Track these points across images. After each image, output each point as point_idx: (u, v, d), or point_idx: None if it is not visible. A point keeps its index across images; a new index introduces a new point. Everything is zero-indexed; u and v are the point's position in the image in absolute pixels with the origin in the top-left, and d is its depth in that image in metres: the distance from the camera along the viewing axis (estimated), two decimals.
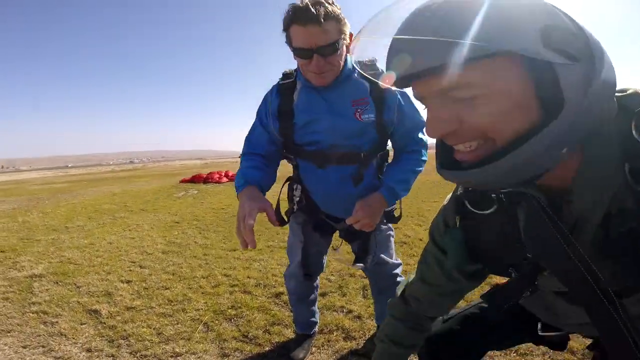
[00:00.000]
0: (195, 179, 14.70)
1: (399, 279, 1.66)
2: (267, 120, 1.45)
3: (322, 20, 1.15)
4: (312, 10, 1.13)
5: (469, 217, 0.73)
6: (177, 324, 2.56)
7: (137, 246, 4.59)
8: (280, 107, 1.40)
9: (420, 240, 4.11)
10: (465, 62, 0.43)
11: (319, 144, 1.39)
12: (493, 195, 0.66)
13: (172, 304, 2.86)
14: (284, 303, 2.72)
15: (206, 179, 14.41)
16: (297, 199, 1.52)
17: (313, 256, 1.73)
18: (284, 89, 1.42)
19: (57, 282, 3.35)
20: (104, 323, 2.57)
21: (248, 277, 3.30)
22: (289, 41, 1.25)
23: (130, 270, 3.65)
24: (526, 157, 0.47)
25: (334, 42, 1.20)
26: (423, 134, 1.44)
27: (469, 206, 0.71)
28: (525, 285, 0.69)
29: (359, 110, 1.34)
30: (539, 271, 0.66)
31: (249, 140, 1.50)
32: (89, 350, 2.25)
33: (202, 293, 3.02)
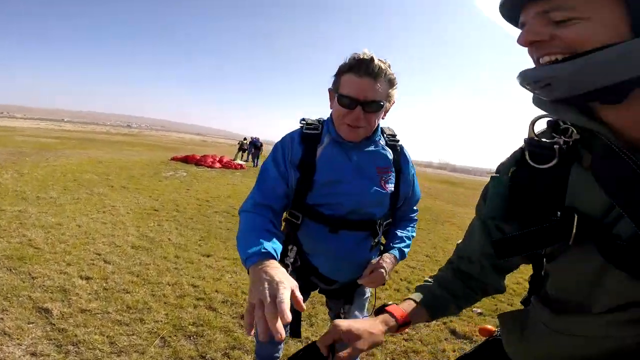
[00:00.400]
0: (187, 159, 14.46)
1: None
2: (286, 169, 1.31)
3: (379, 76, 1.18)
4: (373, 64, 1.17)
5: (523, 168, 0.73)
6: (133, 334, 2.41)
7: (107, 234, 4.38)
8: (303, 158, 1.30)
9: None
10: None
11: (338, 207, 1.30)
12: (556, 146, 0.68)
13: (131, 311, 2.70)
14: None
15: (198, 161, 14.20)
16: (292, 259, 1.38)
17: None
18: (308, 139, 1.33)
19: (10, 269, 3.11)
20: (54, 325, 2.39)
21: (216, 290, 3.15)
22: (336, 87, 1.26)
23: (92, 264, 3.45)
24: (604, 59, 0.54)
25: (380, 101, 1.22)
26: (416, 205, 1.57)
27: (528, 159, 0.72)
28: (555, 235, 0.66)
29: (384, 178, 1.34)
30: (576, 227, 0.63)
31: (260, 189, 1.29)
32: (33, 354, 2.08)
33: (165, 303, 2.86)
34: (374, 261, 1.34)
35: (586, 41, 0.55)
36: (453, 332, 2.99)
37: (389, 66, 1.22)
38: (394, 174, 1.37)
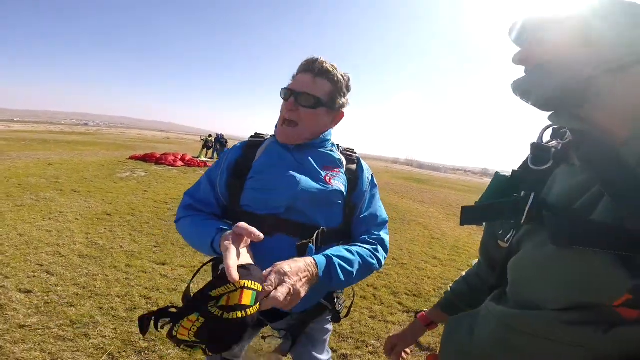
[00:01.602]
0: (147, 158, 13.95)
1: None
2: (216, 174, 1.30)
3: (319, 75, 1.23)
4: (316, 63, 1.23)
5: (523, 169, 0.84)
6: (77, 351, 2.36)
7: (51, 243, 4.20)
8: (237, 160, 1.28)
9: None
10: None
11: (274, 203, 1.18)
12: (553, 149, 0.78)
13: (75, 326, 2.62)
14: None
15: (159, 160, 13.74)
16: None
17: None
18: (249, 145, 1.34)
19: None
20: None
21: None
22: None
23: (34, 276, 3.31)
24: (546, 71, 0.67)
25: (317, 96, 1.22)
26: (386, 232, 1.33)
27: (529, 162, 0.81)
28: (510, 209, 0.75)
29: (329, 175, 1.26)
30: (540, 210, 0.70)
31: (191, 195, 1.30)
32: None
33: (113, 317, 2.79)
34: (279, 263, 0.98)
35: (552, 51, 0.67)
36: (417, 344, 2.95)
37: (337, 70, 1.26)
38: (344, 177, 1.28)
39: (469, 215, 0.84)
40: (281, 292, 0.83)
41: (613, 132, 0.66)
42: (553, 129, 0.82)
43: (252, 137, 1.39)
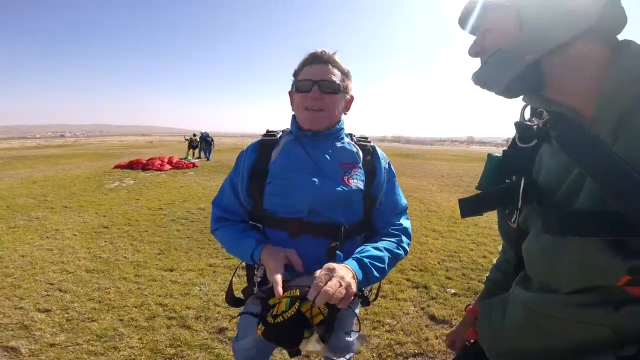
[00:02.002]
0: (132, 165, 13.79)
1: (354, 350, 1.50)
2: (237, 179, 1.35)
3: (330, 62, 1.28)
4: (323, 53, 1.28)
5: (513, 148, 0.89)
6: None
7: (55, 261, 4.24)
8: (254, 164, 1.31)
9: None
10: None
11: (296, 207, 1.24)
12: (535, 127, 0.83)
13: (102, 340, 2.70)
14: (229, 339, 2.67)
15: (145, 166, 13.58)
16: (259, 279, 1.25)
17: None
18: (263, 145, 1.35)
19: None
20: None
21: (187, 307, 3.19)
22: (294, 82, 1.32)
23: (48, 295, 3.37)
24: (493, 61, 0.74)
25: (337, 82, 1.27)
26: (406, 219, 1.39)
27: (517, 140, 0.87)
28: (506, 196, 0.82)
29: (347, 174, 1.28)
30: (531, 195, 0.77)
31: (219, 205, 1.38)
32: None
33: (135, 327, 2.88)
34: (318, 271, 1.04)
35: (495, 45, 0.74)
36: (432, 317, 3.12)
37: (341, 59, 1.32)
38: (362, 172, 1.30)
39: (467, 208, 0.89)
40: (330, 286, 0.92)
41: (581, 112, 0.70)
42: (531, 107, 0.87)
43: (265, 135, 1.40)
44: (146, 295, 3.41)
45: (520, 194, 0.78)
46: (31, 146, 41.47)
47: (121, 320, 2.98)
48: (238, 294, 1.37)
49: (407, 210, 1.42)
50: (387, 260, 1.21)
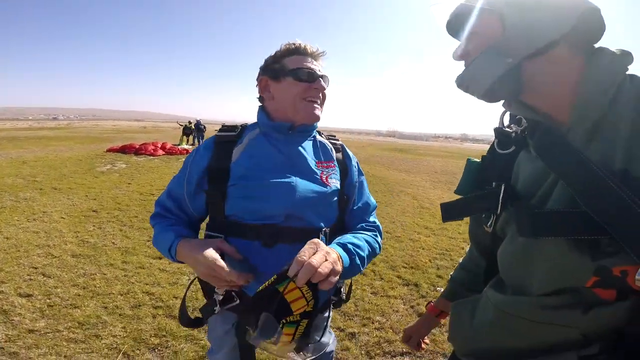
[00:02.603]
0: (125, 149, 13.65)
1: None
2: (179, 189, 1.19)
3: (318, 56, 1.22)
4: (311, 47, 1.20)
5: (491, 153, 0.91)
6: (92, 352, 2.39)
7: (41, 244, 4.15)
8: (210, 166, 1.14)
9: None
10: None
11: (271, 212, 1.09)
12: (513, 134, 0.85)
13: (84, 327, 2.64)
14: None
15: (138, 150, 13.46)
16: (221, 297, 1.11)
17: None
18: (219, 142, 1.18)
19: None
20: (3, 349, 2.33)
21: (174, 296, 3.13)
22: (278, 70, 1.18)
23: (30, 280, 3.29)
24: (476, 65, 0.74)
25: (328, 78, 1.23)
26: (375, 217, 1.34)
27: (495, 146, 0.89)
28: (486, 201, 0.82)
29: (325, 172, 1.19)
30: (510, 200, 0.78)
31: (159, 204, 1.24)
32: None
33: (120, 315, 2.82)
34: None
35: (479, 49, 0.74)
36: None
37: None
38: (338, 170, 1.24)
39: (448, 212, 0.91)
40: (315, 259, 0.82)
41: (558, 119, 0.73)
42: (510, 113, 0.89)
43: (221, 130, 1.24)
44: (133, 283, 3.34)
45: (500, 200, 0.79)
46: (23, 127, 40.91)
47: (105, 307, 2.91)
48: (194, 313, 1.25)
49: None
50: (366, 252, 1.14)
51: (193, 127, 20.69)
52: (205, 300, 1.22)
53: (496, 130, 0.89)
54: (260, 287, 0.84)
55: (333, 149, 1.29)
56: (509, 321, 0.75)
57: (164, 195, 1.23)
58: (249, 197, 1.09)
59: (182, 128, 21.26)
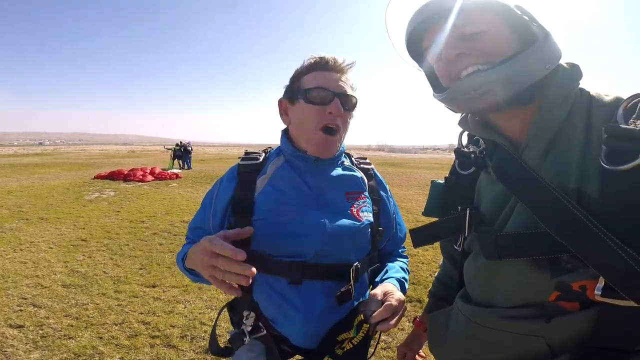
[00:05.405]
0: (113, 176, 13.46)
1: None
2: (205, 221, 1.14)
3: (346, 72, 1.10)
4: (338, 59, 1.09)
5: (454, 174, 0.95)
6: None
7: (29, 275, 4.07)
8: (233, 197, 1.09)
9: None
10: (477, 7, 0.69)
11: (298, 250, 1.04)
12: (472, 155, 0.86)
13: (80, 358, 2.60)
14: None
15: (127, 176, 13.27)
16: (249, 328, 1.07)
17: None
18: (244, 172, 1.12)
19: None
20: None
21: (171, 325, 3.08)
22: (295, 90, 1.09)
23: (20, 311, 3.23)
24: (515, 68, 0.66)
25: (355, 99, 1.11)
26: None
27: (456, 167, 0.94)
28: (453, 226, 0.85)
29: (356, 205, 1.11)
30: (474, 222, 0.81)
31: (191, 227, 1.21)
32: None
33: (116, 345, 2.77)
34: (375, 292, 0.99)
35: (498, 50, 0.68)
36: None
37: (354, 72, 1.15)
38: (370, 201, 1.15)
39: (419, 238, 0.94)
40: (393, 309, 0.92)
41: (516, 138, 0.76)
42: (467, 134, 0.93)
43: (243, 159, 1.18)
44: (127, 313, 3.28)
45: (467, 224, 0.82)
46: (8, 154, 40.40)
47: (101, 338, 2.86)
48: (224, 342, 1.22)
49: None
50: (406, 284, 1.17)
51: (182, 150, 20.54)
52: (229, 328, 1.23)
53: (456, 151, 0.93)
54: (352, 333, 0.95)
55: (364, 177, 1.20)
56: (478, 330, 0.77)
57: (189, 230, 1.21)
58: (275, 234, 1.04)
59: (171, 151, 21.10)
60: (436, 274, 1.22)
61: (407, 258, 1.29)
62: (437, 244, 1.08)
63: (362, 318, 0.93)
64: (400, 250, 1.29)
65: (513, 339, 0.72)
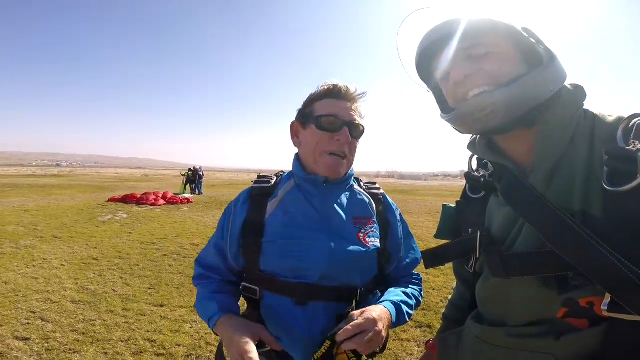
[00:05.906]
0: (127, 199, 13.70)
1: None
2: (224, 243, 1.17)
3: (356, 101, 1.14)
4: (350, 88, 1.12)
5: (465, 198, 0.96)
6: None
7: (40, 290, 4.10)
8: (246, 219, 1.13)
9: None
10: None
11: (304, 272, 1.06)
12: (482, 179, 0.88)
13: None
14: None
15: (140, 200, 13.47)
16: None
17: None
18: (255, 195, 1.16)
19: None
20: None
21: (177, 344, 3.05)
22: (307, 115, 1.14)
23: (28, 324, 3.25)
24: (521, 89, 0.68)
25: (363, 126, 1.15)
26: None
27: (467, 191, 0.95)
28: (465, 248, 0.86)
29: (362, 231, 1.13)
30: (485, 245, 0.81)
31: (200, 263, 1.23)
32: None
33: None
34: (354, 312, 0.98)
35: (504, 71, 0.70)
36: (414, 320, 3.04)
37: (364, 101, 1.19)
38: (377, 227, 1.17)
39: (432, 259, 0.95)
40: (366, 334, 0.89)
41: (522, 161, 0.77)
42: (477, 158, 0.94)
43: (256, 182, 1.22)
44: (134, 330, 3.26)
45: (478, 246, 0.82)
46: (27, 174, 41.46)
47: (106, 353, 2.84)
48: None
49: None
50: (414, 308, 1.16)
51: (194, 175, 20.75)
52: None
53: (466, 175, 0.94)
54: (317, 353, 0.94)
55: (373, 202, 1.21)
56: (488, 350, 0.78)
57: (205, 252, 1.22)
58: (283, 256, 1.07)
59: (184, 177, 21.35)
60: (449, 297, 1.21)
61: (419, 285, 1.25)
62: (448, 271, 1.07)
63: (328, 336, 0.93)
64: (412, 277, 1.26)
65: (523, 357, 0.72)
